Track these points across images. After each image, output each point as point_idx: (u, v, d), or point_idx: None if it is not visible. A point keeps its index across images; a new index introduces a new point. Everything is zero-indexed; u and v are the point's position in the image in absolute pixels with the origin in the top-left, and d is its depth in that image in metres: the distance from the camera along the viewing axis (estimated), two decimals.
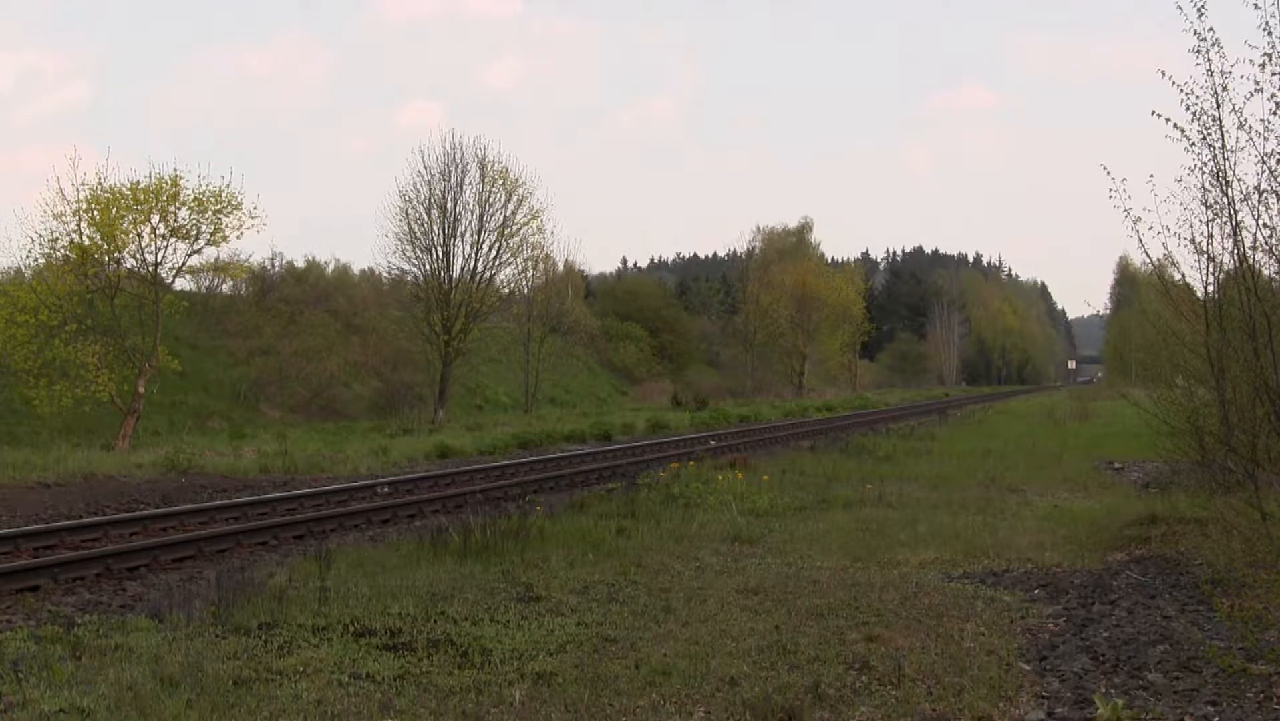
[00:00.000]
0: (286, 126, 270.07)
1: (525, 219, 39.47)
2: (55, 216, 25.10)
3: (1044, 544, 11.10)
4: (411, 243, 37.97)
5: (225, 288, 41.74)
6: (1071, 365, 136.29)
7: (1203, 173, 9.29)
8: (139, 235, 25.61)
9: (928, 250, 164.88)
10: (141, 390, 25.59)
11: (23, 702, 5.67)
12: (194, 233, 26.11)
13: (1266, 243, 8.65)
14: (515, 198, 38.99)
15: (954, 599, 8.44)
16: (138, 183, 25.40)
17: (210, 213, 25.93)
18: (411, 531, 12.96)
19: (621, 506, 13.57)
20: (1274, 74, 7.87)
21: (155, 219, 25.66)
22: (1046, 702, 5.79)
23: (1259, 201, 8.44)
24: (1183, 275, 12.88)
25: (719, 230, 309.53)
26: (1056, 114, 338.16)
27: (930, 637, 7.18)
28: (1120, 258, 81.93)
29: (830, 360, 75.79)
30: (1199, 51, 8.50)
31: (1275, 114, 7.98)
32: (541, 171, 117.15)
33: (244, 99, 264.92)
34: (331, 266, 51.58)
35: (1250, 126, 8.34)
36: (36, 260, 26.11)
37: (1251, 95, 8.12)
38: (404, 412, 36.28)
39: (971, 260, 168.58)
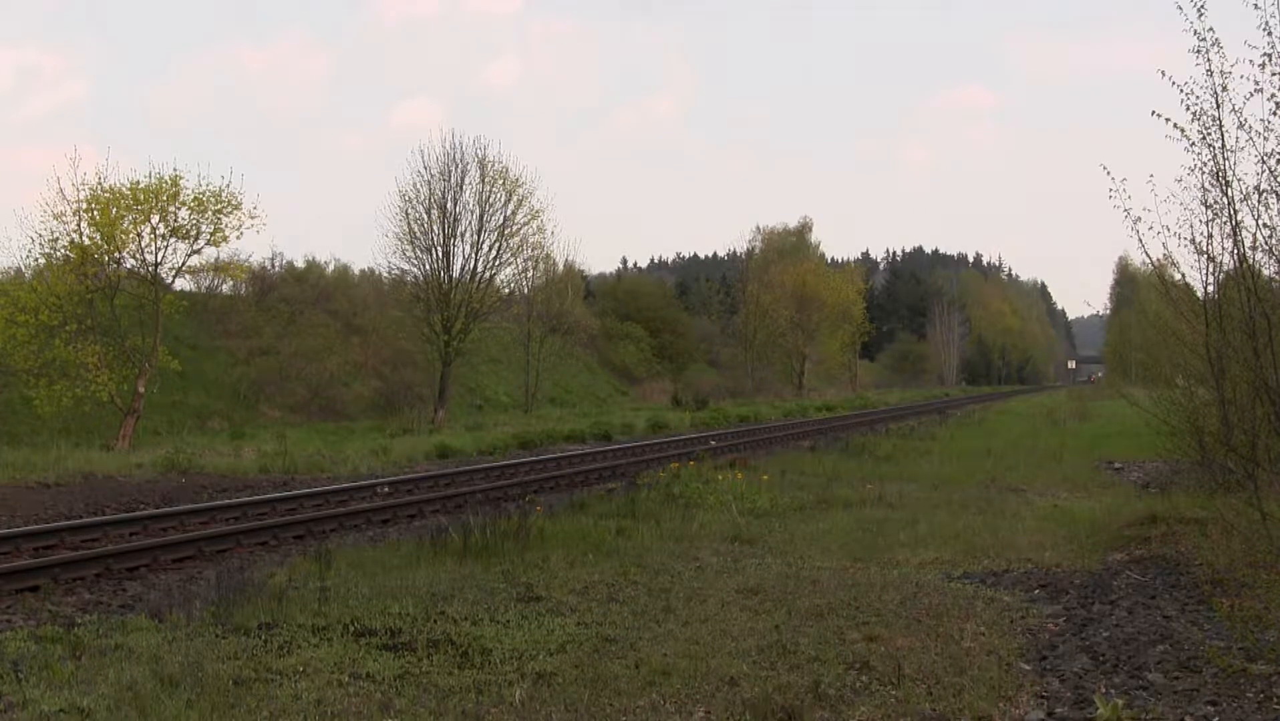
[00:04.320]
0: (286, 126, 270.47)
1: (525, 219, 39.46)
2: (55, 216, 25.13)
3: (1044, 544, 11.09)
4: (411, 243, 37.97)
5: (225, 288, 41.67)
6: (1071, 365, 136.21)
7: (1203, 173, 9.31)
8: (139, 235, 25.61)
9: (928, 250, 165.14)
10: (141, 390, 25.58)
11: (23, 702, 5.67)
12: (194, 233, 26.10)
13: (1266, 243, 8.67)
14: (515, 198, 38.98)
15: (954, 599, 8.44)
16: (137, 182, 25.43)
17: (210, 213, 25.92)
18: (411, 531, 12.96)
19: (621, 506, 13.56)
20: (1274, 74, 7.88)
21: (155, 219, 25.66)
22: (1046, 702, 5.79)
23: (1259, 201, 8.46)
24: (1183, 275, 12.90)
25: (719, 230, 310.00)
26: (1056, 114, 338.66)
27: (930, 637, 7.18)
28: (1120, 258, 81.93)
29: (830, 360, 75.73)
30: (1199, 51, 8.52)
31: (1275, 114, 8.00)
32: (541, 171, 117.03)
33: (244, 99, 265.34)
34: (331, 266, 51.59)
35: (1250, 126, 8.36)
36: (36, 260, 26.14)
37: (1251, 95, 8.14)
38: (404, 412, 36.26)
39: (971, 260, 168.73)
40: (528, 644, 6.97)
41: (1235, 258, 9.44)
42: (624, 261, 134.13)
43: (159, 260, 26.15)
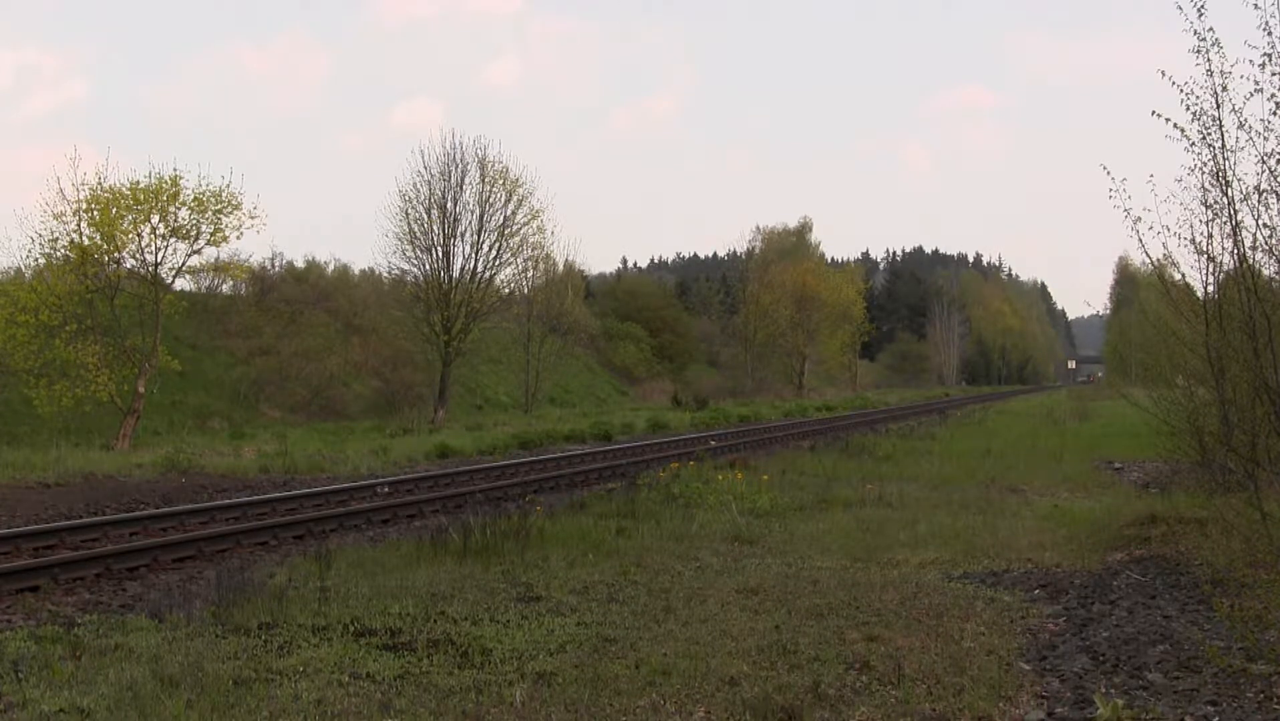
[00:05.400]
0: (286, 126, 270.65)
1: (525, 219, 39.53)
2: (55, 216, 25.16)
3: (1044, 544, 11.10)
4: (411, 243, 38.03)
5: (225, 288, 41.70)
6: (1071, 365, 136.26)
7: (1203, 173, 9.29)
8: (139, 235, 25.62)
9: (928, 250, 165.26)
10: (141, 390, 25.58)
11: (23, 702, 5.67)
12: (194, 233, 26.12)
13: (1266, 243, 8.65)
14: (515, 198, 39.05)
15: (954, 599, 8.44)
16: (137, 183, 25.46)
17: (210, 213, 25.94)
18: (411, 531, 12.96)
19: (621, 506, 13.56)
20: (1274, 74, 7.86)
21: (155, 219, 25.68)
22: (1046, 702, 5.79)
23: (1259, 201, 8.43)
24: (1183, 275, 12.89)
25: (719, 230, 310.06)
26: (1056, 114, 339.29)
27: (930, 637, 7.18)
28: (1120, 258, 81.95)
29: (830, 360, 75.78)
30: (1199, 51, 8.50)
31: (1275, 114, 7.97)
32: (541, 171, 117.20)
33: (244, 99, 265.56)
34: (331, 266, 51.67)
35: (1250, 126, 8.33)
36: (36, 260, 26.16)
37: (1251, 95, 8.11)
38: (404, 412, 36.27)
39: (971, 260, 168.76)
40: (528, 644, 6.98)
41: (1235, 258, 9.43)
42: (624, 261, 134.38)
43: (159, 260, 26.21)
